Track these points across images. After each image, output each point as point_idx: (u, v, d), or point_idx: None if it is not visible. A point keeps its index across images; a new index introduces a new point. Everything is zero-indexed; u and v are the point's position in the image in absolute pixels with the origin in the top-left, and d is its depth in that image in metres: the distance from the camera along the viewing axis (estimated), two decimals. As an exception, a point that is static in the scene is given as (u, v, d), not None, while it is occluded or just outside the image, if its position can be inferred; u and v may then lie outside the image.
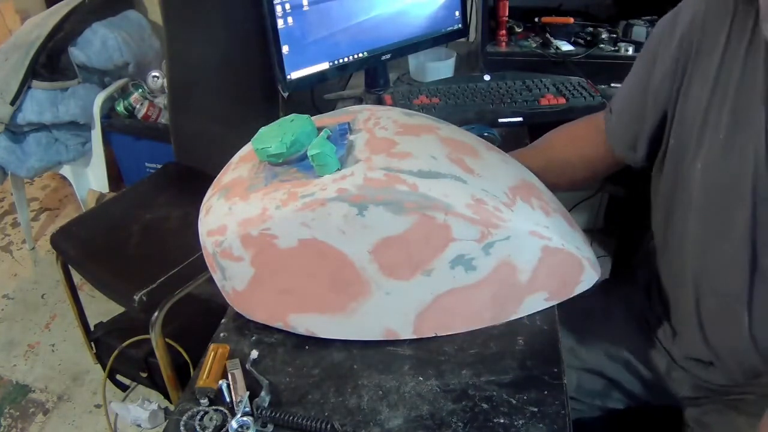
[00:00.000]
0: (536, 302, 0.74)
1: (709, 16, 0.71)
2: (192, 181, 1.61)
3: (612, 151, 0.90)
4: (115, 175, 2.21)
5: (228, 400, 0.65)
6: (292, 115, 0.72)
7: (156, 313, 1.22)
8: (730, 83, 0.70)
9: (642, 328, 0.94)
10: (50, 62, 1.91)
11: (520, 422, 0.62)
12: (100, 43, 2.00)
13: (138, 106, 2.07)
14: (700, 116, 0.73)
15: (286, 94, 1.21)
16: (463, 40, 1.49)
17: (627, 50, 1.37)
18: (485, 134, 1.09)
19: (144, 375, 1.48)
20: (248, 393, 0.64)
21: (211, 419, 0.63)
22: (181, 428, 0.63)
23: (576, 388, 0.94)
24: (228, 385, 0.65)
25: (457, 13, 1.41)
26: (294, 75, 1.19)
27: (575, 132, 0.95)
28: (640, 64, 0.83)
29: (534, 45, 1.44)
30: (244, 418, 0.62)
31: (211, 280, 0.75)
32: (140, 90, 2.10)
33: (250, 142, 0.72)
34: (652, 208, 0.88)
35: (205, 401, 0.65)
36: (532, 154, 0.91)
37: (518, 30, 1.50)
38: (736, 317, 0.76)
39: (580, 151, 0.93)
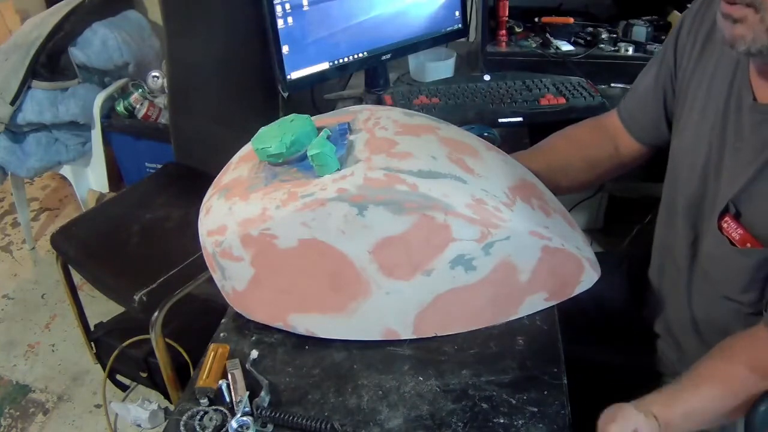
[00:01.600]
0: (536, 302, 0.74)
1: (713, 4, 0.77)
2: (192, 181, 1.61)
3: (618, 150, 0.93)
4: (115, 175, 2.21)
5: (228, 400, 0.65)
6: (292, 115, 0.72)
7: (156, 313, 1.22)
8: (707, 68, 0.76)
9: (633, 290, 0.99)
10: (50, 62, 1.91)
11: (520, 422, 0.62)
12: (100, 43, 1.99)
13: (138, 106, 2.07)
14: (683, 94, 0.80)
15: (286, 94, 1.21)
16: (463, 40, 1.49)
17: (627, 50, 1.37)
18: (485, 134, 1.09)
19: (144, 375, 1.48)
20: (248, 393, 0.64)
21: (211, 419, 0.63)
22: (181, 428, 0.63)
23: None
24: (228, 385, 0.65)
25: (457, 13, 1.41)
26: (294, 75, 1.19)
27: (579, 135, 0.96)
28: (663, 49, 0.88)
29: (534, 45, 1.44)
30: (244, 418, 0.62)
31: (211, 280, 0.75)
32: (140, 90, 2.10)
33: (250, 142, 0.72)
34: None
35: (205, 401, 0.65)
36: (535, 156, 0.92)
37: (518, 30, 1.50)
38: (680, 293, 0.83)
39: (583, 153, 0.94)
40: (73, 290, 1.56)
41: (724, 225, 0.71)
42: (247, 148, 0.77)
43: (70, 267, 1.50)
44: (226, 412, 0.64)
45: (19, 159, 1.98)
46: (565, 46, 1.42)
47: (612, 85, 1.39)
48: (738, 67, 0.72)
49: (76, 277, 1.55)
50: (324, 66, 1.24)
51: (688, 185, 0.79)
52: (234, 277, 0.70)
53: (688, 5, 1.36)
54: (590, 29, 1.45)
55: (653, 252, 0.93)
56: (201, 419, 0.63)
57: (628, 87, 1.36)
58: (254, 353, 0.70)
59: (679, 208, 0.81)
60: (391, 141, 0.68)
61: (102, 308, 1.78)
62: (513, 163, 0.78)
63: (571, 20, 1.47)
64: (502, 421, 0.62)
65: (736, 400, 0.66)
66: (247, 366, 0.69)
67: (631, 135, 0.92)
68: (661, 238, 0.90)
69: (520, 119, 1.21)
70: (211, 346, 0.70)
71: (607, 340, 0.98)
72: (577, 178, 0.94)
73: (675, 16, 1.44)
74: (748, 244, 0.69)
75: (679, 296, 0.84)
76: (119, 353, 1.46)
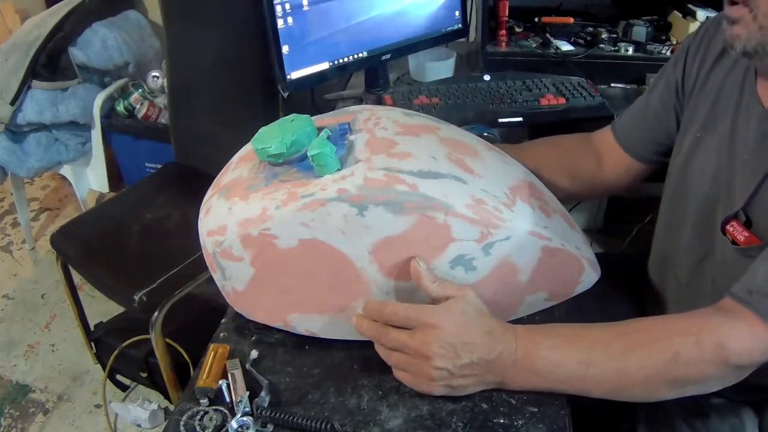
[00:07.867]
0: (536, 302, 0.74)
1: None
2: (192, 181, 1.61)
3: (601, 166, 0.94)
4: (115, 175, 2.21)
5: (228, 400, 0.65)
6: (292, 115, 0.72)
7: (156, 313, 1.22)
8: (715, 84, 0.77)
9: (633, 291, 0.98)
10: (50, 62, 1.91)
11: (520, 422, 0.62)
12: (100, 43, 2.00)
13: (138, 106, 2.07)
14: (688, 112, 0.81)
15: (286, 94, 1.20)
16: (463, 40, 1.49)
17: (627, 50, 1.37)
18: (485, 134, 1.09)
19: (144, 375, 1.48)
20: (248, 393, 0.64)
21: (211, 419, 0.63)
22: (181, 428, 0.63)
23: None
24: (228, 385, 0.65)
25: (457, 13, 1.41)
26: (294, 75, 1.19)
27: (562, 142, 0.97)
28: (664, 71, 0.88)
29: (534, 45, 1.44)
30: (244, 418, 0.62)
31: (211, 280, 0.75)
32: (140, 90, 2.10)
33: (250, 142, 0.72)
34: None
35: (205, 401, 0.65)
36: (514, 151, 0.89)
37: (518, 30, 1.51)
38: (681, 306, 0.82)
39: (564, 161, 0.94)
40: (73, 290, 1.56)
41: (730, 228, 0.71)
42: (247, 148, 0.77)
43: (70, 267, 1.50)
44: (226, 412, 0.64)
45: (19, 159, 1.98)
46: (565, 46, 1.42)
47: (612, 85, 1.39)
48: (746, 80, 0.72)
49: (76, 277, 1.55)
50: (324, 66, 1.24)
51: (696, 200, 0.78)
52: (234, 277, 0.70)
53: (688, 6, 1.37)
54: (590, 29, 1.46)
55: (651, 263, 0.93)
56: (201, 419, 0.63)
57: (628, 87, 1.38)
58: (254, 353, 0.70)
59: (688, 223, 0.80)
60: (391, 141, 0.68)
61: (102, 308, 1.78)
62: (513, 163, 0.78)
63: (571, 20, 1.47)
64: (502, 421, 0.62)
65: (625, 357, 0.61)
66: (247, 366, 0.69)
67: (624, 149, 0.91)
68: (661, 251, 0.89)
69: (520, 119, 1.21)
70: (211, 346, 0.70)
71: None
72: (553, 184, 0.91)
73: (675, 16, 1.44)
74: (752, 244, 0.69)
75: (681, 309, 0.82)
76: (119, 353, 1.46)
